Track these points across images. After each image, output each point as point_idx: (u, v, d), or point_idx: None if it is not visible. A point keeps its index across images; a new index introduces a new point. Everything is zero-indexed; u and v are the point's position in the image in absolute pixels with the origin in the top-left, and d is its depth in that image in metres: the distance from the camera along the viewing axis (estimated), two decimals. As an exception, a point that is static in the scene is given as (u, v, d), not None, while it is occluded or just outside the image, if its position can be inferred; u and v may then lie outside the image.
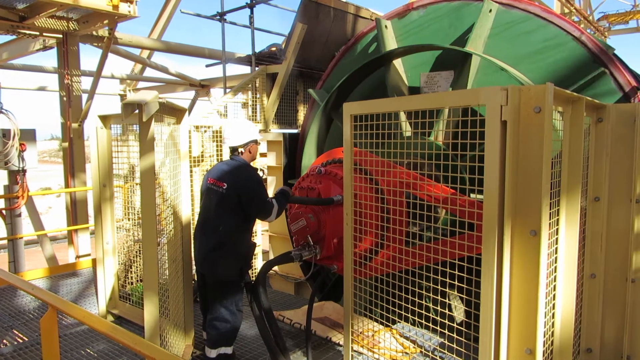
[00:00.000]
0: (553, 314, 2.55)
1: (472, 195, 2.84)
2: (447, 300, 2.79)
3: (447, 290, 2.75)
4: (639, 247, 3.08)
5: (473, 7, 4.64)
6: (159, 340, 3.52)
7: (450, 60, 4.71)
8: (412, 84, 5.06)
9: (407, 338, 4.04)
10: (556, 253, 2.54)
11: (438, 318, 2.84)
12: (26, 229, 7.30)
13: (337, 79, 5.29)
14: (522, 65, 4.29)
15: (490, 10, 4.47)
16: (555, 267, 2.54)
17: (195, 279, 4.20)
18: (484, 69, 4.44)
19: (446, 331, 2.73)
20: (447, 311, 2.80)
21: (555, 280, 2.54)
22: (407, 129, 4.41)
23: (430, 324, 2.88)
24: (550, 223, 2.32)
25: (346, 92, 5.16)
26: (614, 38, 21.29)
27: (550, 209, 2.28)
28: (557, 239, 2.54)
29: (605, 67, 3.92)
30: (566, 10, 16.47)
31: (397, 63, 5.05)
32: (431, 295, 2.92)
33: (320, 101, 5.52)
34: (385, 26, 5.23)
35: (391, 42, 5.20)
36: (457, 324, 2.68)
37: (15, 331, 4.66)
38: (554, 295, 2.54)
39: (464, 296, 2.58)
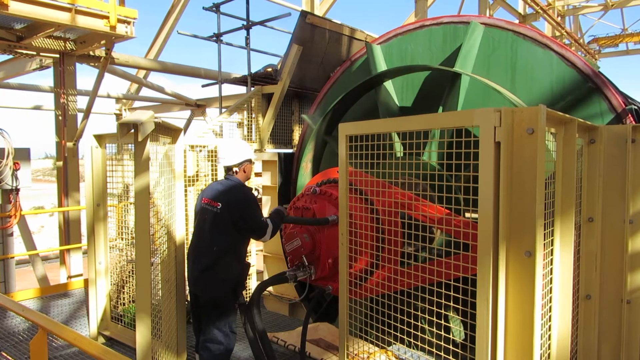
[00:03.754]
0: (549, 336, 2.53)
1: (467, 215, 2.85)
2: (443, 322, 2.76)
3: (443, 311, 2.73)
4: (633, 268, 3.08)
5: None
6: (150, 363, 3.46)
7: (440, 81, 4.73)
8: (403, 104, 5.09)
9: (402, 360, 3.99)
10: (551, 274, 2.53)
11: (434, 340, 2.81)
12: (18, 249, 7.22)
13: (333, 99, 5.32)
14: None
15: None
16: (551, 288, 2.53)
17: (189, 299, 4.15)
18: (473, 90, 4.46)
19: (442, 353, 2.70)
20: (443, 332, 2.78)
21: (550, 302, 2.53)
22: (400, 150, 4.44)
23: (427, 346, 2.85)
24: (545, 244, 2.32)
25: (340, 114, 5.19)
26: (604, 60, 21.70)
27: (544, 230, 2.29)
28: (552, 259, 2.54)
29: (598, 89, 3.98)
30: (557, 34, 16.81)
31: (388, 84, 5.08)
32: (427, 316, 2.89)
33: (313, 125, 5.53)
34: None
35: (382, 63, 5.23)
36: (453, 346, 2.66)
37: (4, 353, 4.57)
38: (550, 316, 2.53)
39: (460, 317, 2.56)
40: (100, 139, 4.71)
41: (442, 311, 2.71)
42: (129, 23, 6.57)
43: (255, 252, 6.81)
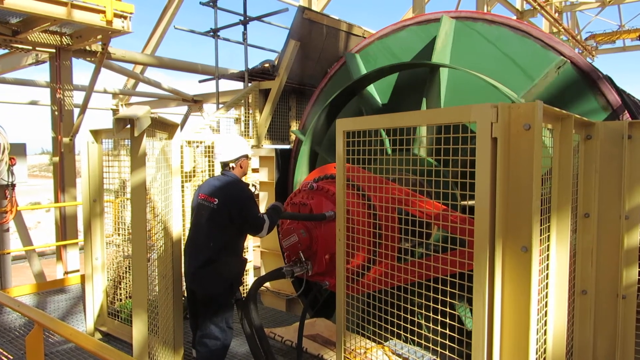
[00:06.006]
0: (545, 331, 2.54)
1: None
2: (439, 317, 2.77)
3: (440, 306, 2.74)
4: (629, 263, 3.10)
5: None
6: (147, 359, 3.46)
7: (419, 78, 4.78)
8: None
9: (399, 355, 4.00)
10: (547, 269, 2.54)
11: (430, 335, 2.82)
12: (14, 244, 7.20)
13: (330, 95, 5.30)
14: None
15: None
16: (547, 284, 2.54)
17: (185, 295, 4.15)
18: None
19: (439, 348, 2.71)
20: (439, 328, 2.79)
21: (546, 297, 2.54)
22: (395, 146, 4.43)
23: (423, 341, 2.86)
24: (541, 239, 2.33)
25: (332, 117, 5.16)
26: (601, 57, 21.72)
27: (540, 225, 2.29)
28: (548, 255, 2.55)
29: (594, 86, 3.98)
30: (555, 30, 16.81)
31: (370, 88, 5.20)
32: (423, 311, 2.90)
33: (302, 137, 5.60)
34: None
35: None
36: (449, 340, 2.67)
37: (0, 349, 4.56)
38: (546, 311, 2.54)
39: (456, 312, 2.57)
40: (96, 134, 4.70)
41: (439, 306, 2.71)
42: (125, 18, 6.52)
43: (253, 248, 6.81)
